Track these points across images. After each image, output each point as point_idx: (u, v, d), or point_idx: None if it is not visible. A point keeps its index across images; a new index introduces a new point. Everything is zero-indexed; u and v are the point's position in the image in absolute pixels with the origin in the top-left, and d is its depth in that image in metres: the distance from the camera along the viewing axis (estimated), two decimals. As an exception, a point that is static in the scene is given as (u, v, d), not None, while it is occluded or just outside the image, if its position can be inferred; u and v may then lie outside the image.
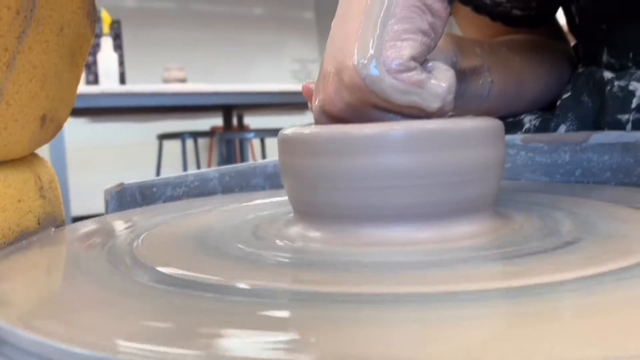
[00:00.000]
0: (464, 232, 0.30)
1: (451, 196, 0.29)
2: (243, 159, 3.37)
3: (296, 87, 3.35)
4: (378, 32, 0.31)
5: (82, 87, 2.57)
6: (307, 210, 0.32)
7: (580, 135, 0.49)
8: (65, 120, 0.43)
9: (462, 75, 0.43)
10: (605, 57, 0.56)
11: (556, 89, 0.58)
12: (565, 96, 0.56)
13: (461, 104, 0.46)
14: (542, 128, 0.56)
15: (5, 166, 0.37)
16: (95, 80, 3.14)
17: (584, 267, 0.24)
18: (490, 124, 0.31)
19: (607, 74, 0.53)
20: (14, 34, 0.34)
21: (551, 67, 0.58)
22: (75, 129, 3.35)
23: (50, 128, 0.41)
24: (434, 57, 0.34)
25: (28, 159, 0.41)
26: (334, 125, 0.31)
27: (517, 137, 0.51)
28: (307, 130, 0.31)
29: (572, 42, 0.65)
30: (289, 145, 0.32)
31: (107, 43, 2.86)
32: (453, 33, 0.47)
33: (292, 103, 3.25)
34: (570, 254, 0.26)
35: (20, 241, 0.36)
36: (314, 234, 0.31)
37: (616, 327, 0.18)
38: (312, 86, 0.37)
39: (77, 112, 3.15)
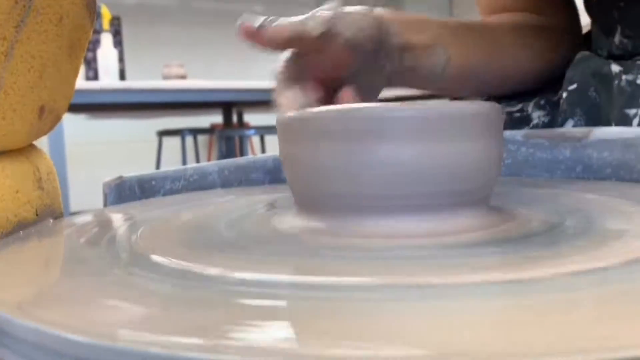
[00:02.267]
0: (467, 224, 0.29)
1: (456, 185, 0.29)
2: (243, 156, 3.37)
3: (296, 84, 3.33)
4: None
5: (82, 83, 2.57)
6: (308, 201, 0.32)
7: (581, 131, 0.49)
8: (64, 112, 0.43)
9: (411, 49, 0.47)
10: (617, 38, 0.55)
11: (540, 77, 0.58)
12: (571, 88, 0.55)
13: (414, 79, 0.50)
14: (550, 124, 0.56)
15: (3, 157, 0.37)
16: (95, 77, 3.13)
17: (586, 262, 0.23)
18: (491, 109, 0.30)
19: (615, 68, 0.53)
20: (12, 23, 0.34)
21: (536, 54, 0.58)
22: (74, 125, 3.35)
23: (48, 119, 0.41)
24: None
25: (26, 150, 0.41)
26: (334, 107, 0.31)
27: (518, 133, 0.51)
28: (306, 113, 0.31)
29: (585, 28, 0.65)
30: (287, 129, 0.32)
31: (107, 39, 2.85)
32: (416, 14, 0.52)
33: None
34: (572, 249, 0.26)
35: (18, 232, 0.36)
36: (315, 224, 0.31)
37: (618, 320, 0.18)
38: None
39: (77, 108, 3.15)
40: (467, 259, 0.25)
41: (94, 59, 3.04)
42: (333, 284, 0.22)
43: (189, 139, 3.91)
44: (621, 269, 0.23)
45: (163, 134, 3.67)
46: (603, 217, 0.31)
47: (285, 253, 0.28)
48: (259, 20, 0.37)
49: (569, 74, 0.56)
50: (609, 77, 0.52)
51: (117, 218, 0.40)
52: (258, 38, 0.35)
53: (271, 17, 0.36)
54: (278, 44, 0.34)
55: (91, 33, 0.43)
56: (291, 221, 0.32)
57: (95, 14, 0.42)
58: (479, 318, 0.19)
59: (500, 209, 0.33)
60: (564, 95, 0.56)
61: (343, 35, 0.34)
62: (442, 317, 0.19)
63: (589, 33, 0.63)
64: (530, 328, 0.17)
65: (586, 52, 0.57)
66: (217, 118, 3.89)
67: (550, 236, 0.28)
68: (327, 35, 0.33)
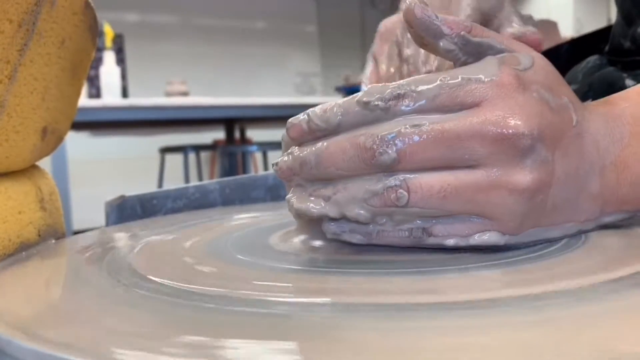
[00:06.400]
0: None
1: None
2: (245, 172, 3.38)
3: (298, 100, 3.35)
4: None
5: (84, 101, 2.58)
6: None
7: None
8: (66, 132, 0.44)
9: None
10: None
11: None
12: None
13: None
14: None
15: (6, 178, 0.38)
16: (97, 94, 3.15)
17: (597, 273, 0.24)
18: None
19: (629, 82, 0.53)
20: (15, 46, 0.34)
21: None
22: (77, 143, 3.36)
23: (51, 140, 0.41)
24: None
25: (29, 170, 0.41)
26: None
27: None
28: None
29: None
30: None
31: (109, 57, 2.87)
32: None
33: (294, 116, 3.25)
34: (583, 259, 0.26)
35: (20, 253, 0.36)
36: (317, 243, 0.31)
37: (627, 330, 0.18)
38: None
39: (79, 126, 3.16)
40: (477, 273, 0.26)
41: (97, 77, 3.05)
42: (336, 303, 0.22)
43: (192, 156, 3.91)
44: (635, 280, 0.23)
45: (165, 150, 3.67)
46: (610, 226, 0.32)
47: (285, 270, 0.28)
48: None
49: (582, 77, 0.57)
50: (619, 86, 0.53)
51: (118, 238, 0.40)
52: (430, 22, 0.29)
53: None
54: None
55: (93, 55, 0.43)
56: (293, 239, 0.32)
57: (98, 37, 0.43)
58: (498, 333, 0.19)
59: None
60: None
61: None
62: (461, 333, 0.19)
63: (604, 30, 0.63)
64: (544, 341, 0.17)
65: (596, 58, 0.58)
66: (219, 134, 3.90)
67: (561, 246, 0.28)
68: None
